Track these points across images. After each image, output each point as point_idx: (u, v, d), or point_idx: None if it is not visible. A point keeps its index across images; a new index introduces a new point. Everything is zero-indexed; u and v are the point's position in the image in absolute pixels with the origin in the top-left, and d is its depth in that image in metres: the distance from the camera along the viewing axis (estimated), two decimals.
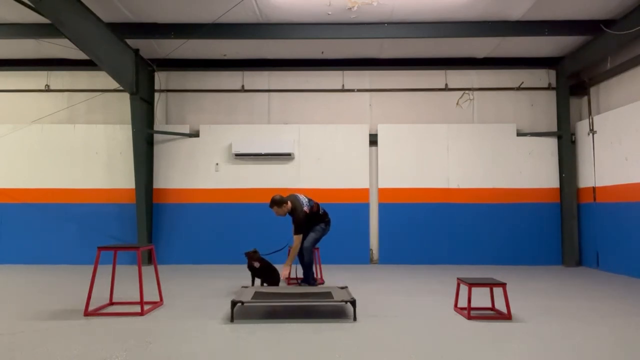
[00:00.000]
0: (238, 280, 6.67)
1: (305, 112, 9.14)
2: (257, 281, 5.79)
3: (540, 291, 5.88)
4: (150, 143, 8.83)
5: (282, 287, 5.60)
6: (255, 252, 5.66)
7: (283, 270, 5.58)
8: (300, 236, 5.70)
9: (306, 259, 5.85)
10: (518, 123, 8.99)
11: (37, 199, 8.89)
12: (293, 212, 5.78)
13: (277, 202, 5.77)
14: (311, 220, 5.90)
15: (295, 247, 5.68)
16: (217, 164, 8.94)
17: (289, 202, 5.82)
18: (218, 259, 8.68)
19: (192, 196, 8.89)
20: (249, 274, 5.77)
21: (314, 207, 5.93)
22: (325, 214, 6.08)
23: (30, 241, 8.78)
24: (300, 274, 6.27)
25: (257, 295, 4.64)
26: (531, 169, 8.84)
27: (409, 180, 8.84)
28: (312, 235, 5.89)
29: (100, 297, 5.16)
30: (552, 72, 9.02)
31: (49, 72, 9.15)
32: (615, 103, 7.86)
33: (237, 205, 8.85)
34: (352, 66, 9.05)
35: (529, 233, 8.71)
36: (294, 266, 6.26)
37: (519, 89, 9.05)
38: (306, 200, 5.95)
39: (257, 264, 5.61)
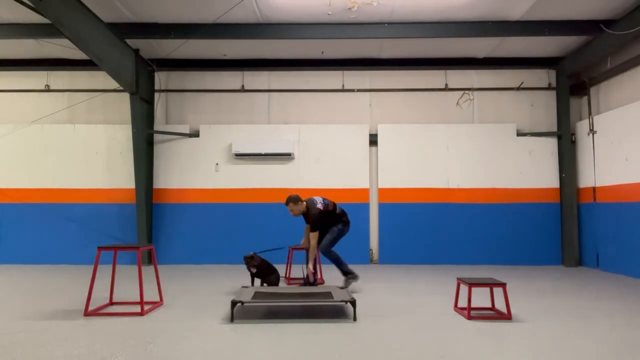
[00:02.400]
0: (238, 280, 6.67)
1: (305, 112, 9.14)
2: (257, 281, 5.79)
3: (540, 291, 5.88)
4: (150, 143, 8.83)
5: (282, 287, 5.61)
6: (252, 257, 5.63)
7: (307, 270, 5.70)
8: (317, 233, 5.70)
9: (330, 260, 5.81)
10: (518, 123, 8.99)
11: (37, 199, 8.89)
12: (307, 211, 5.84)
13: (293, 199, 5.83)
14: (327, 220, 5.86)
15: (312, 246, 5.69)
16: (217, 164, 8.94)
17: (304, 203, 5.87)
18: (218, 259, 8.68)
19: (192, 196, 8.89)
20: (248, 274, 5.78)
21: (329, 206, 5.92)
22: (342, 213, 6.02)
23: (30, 241, 8.78)
24: (294, 275, 6.28)
25: (257, 295, 4.64)
26: (531, 169, 8.83)
27: (409, 180, 8.84)
28: (327, 237, 5.85)
29: (100, 297, 5.16)
30: (552, 72, 9.02)
31: (49, 72, 9.15)
32: (615, 103, 7.86)
33: (237, 205, 8.85)
34: (352, 66, 9.05)
35: (529, 233, 8.70)
36: (299, 266, 6.28)
37: (519, 89, 9.05)
38: (320, 199, 5.97)
39: (253, 270, 5.60)
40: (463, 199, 8.82)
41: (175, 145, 9.00)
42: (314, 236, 5.68)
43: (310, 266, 5.74)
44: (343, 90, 9.16)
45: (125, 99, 8.60)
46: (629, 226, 7.27)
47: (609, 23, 7.17)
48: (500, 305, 4.67)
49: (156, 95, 9.06)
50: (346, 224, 6.00)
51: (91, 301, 4.58)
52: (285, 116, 9.14)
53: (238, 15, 7.11)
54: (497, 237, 8.75)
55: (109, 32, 7.12)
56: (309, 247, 5.85)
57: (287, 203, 5.84)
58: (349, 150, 8.92)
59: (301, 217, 5.98)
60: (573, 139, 8.84)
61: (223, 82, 9.20)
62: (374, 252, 8.88)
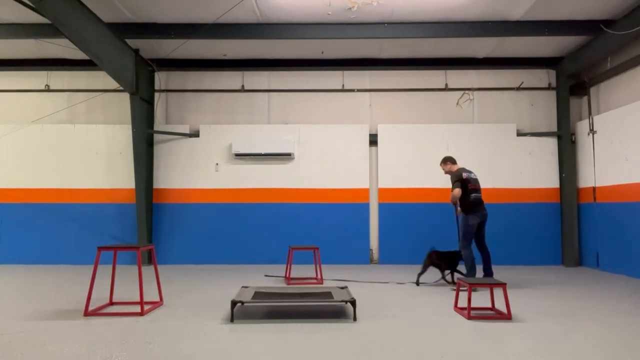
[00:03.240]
0: (238, 280, 6.67)
1: (305, 112, 9.14)
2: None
3: (540, 291, 5.89)
4: (150, 143, 8.83)
5: (282, 287, 5.61)
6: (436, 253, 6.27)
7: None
8: (458, 188, 6.06)
9: (462, 258, 6.16)
10: (518, 123, 8.98)
11: (37, 199, 8.88)
12: (451, 173, 6.33)
13: (443, 159, 6.53)
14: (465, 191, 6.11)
15: (455, 195, 6.06)
16: (217, 164, 8.94)
17: (454, 166, 6.41)
18: (218, 259, 8.67)
19: (192, 196, 8.89)
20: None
21: (470, 181, 6.20)
22: (477, 196, 6.19)
23: (30, 241, 8.77)
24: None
25: (257, 295, 4.64)
26: (531, 169, 8.83)
27: (409, 180, 8.84)
28: (460, 238, 6.18)
29: (100, 297, 5.16)
30: (552, 72, 9.01)
31: (49, 72, 9.15)
32: (615, 103, 7.86)
33: (237, 205, 8.84)
34: (352, 66, 9.05)
35: (529, 233, 8.70)
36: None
37: (519, 89, 9.05)
38: (468, 171, 6.35)
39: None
40: None
41: (175, 145, 9.00)
42: (456, 190, 6.06)
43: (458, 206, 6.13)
44: (343, 90, 9.16)
45: (125, 99, 8.60)
46: (629, 226, 7.27)
47: (609, 23, 7.16)
48: (500, 305, 4.67)
49: (156, 95, 9.06)
50: (474, 212, 6.10)
51: (91, 301, 4.58)
52: (285, 116, 9.14)
53: (238, 15, 7.11)
54: (497, 237, 8.69)
55: (109, 32, 7.11)
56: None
57: (440, 163, 6.56)
58: (349, 150, 8.92)
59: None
60: (573, 139, 8.84)
61: (223, 82, 9.19)
62: (374, 252, 8.88)
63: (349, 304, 4.37)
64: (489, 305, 4.71)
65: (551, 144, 8.89)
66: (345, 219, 8.75)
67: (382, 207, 8.86)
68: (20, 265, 8.51)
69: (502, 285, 4.39)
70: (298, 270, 7.49)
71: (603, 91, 8.27)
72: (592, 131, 8.26)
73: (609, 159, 7.81)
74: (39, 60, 8.93)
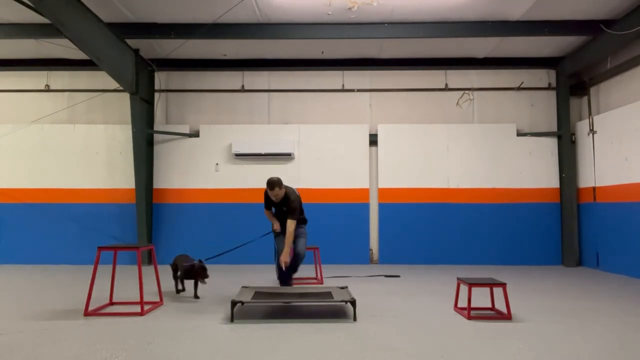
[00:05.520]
0: (238, 280, 6.67)
1: (305, 112, 9.14)
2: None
3: (540, 291, 5.88)
4: (150, 143, 8.83)
5: (282, 287, 5.60)
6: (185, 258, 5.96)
7: (282, 257, 5.23)
8: (295, 221, 5.33)
9: (298, 264, 5.55)
10: (518, 123, 8.99)
11: (37, 199, 8.88)
12: (289, 198, 5.41)
13: (279, 183, 5.34)
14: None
15: (292, 232, 5.26)
16: (217, 164, 8.94)
17: (284, 189, 5.45)
18: (218, 258, 8.64)
19: (192, 196, 8.89)
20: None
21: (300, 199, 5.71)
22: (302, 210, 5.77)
23: (30, 241, 8.77)
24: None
25: (257, 295, 4.64)
26: (531, 169, 8.83)
27: (409, 180, 8.84)
28: (302, 242, 5.56)
29: (100, 297, 5.16)
30: (552, 72, 9.01)
31: (49, 72, 9.15)
32: (615, 103, 7.86)
33: (237, 205, 8.85)
34: (352, 66, 9.05)
35: (529, 233, 8.71)
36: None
37: (519, 89, 9.05)
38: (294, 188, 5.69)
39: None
40: (463, 199, 8.81)
41: (175, 145, 9.00)
42: (294, 223, 5.29)
43: (287, 255, 5.27)
44: (343, 90, 9.16)
45: (125, 99, 8.60)
46: (629, 226, 7.27)
47: (609, 23, 7.16)
48: (500, 305, 4.67)
49: (156, 95, 9.06)
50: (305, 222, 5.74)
51: (91, 301, 4.58)
52: (285, 116, 9.14)
53: (238, 15, 7.11)
54: (497, 237, 8.74)
55: (109, 32, 7.11)
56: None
57: (272, 187, 5.29)
58: (349, 150, 8.92)
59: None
60: (573, 139, 8.84)
61: (223, 82, 9.19)
62: (374, 252, 8.88)
63: (349, 304, 4.37)
64: (489, 305, 4.72)
65: (551, 144, 8.89)
66: (345, 219, 8.75)
67: (382, 207, 8.86)
68: (20, 265, 8.52)
69: (502, 285, 4.39)
70: (298, 270, 7.48)
71: (603, 91, 8.27)
72: (592, 131, 8.26)
73: (609, 159, 7.81)
74: (39, 60, 8.93)
